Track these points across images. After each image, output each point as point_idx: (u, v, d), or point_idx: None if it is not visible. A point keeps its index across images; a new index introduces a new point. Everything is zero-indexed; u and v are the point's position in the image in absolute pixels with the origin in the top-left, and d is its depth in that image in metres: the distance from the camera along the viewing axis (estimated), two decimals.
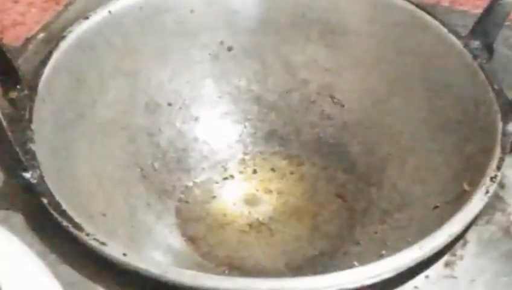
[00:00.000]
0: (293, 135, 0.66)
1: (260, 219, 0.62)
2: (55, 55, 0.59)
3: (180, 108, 0.67)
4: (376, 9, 0.65)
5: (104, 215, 0.55)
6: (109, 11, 0.63)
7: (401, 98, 0.63)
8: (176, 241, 0.59)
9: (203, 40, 0.67)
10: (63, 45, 0.60)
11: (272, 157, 0.67)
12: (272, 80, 0.69)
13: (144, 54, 0.65)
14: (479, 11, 0.61)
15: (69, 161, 0.56)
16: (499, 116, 0.55)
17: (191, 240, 0.60)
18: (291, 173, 0.65)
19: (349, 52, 0.66)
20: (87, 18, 0.62)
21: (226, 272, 0.57)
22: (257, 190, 0.64)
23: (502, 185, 0.54)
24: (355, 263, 0.52)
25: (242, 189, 0.65)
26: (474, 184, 0.51)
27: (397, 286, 0.48)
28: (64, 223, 0.48)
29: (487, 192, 0.50)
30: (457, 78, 0.60)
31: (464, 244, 0.50)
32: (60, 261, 0.48)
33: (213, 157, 0.66)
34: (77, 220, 0.48)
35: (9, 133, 0.49)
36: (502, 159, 0.52)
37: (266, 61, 0.68)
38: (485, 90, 0.57)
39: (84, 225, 0.48)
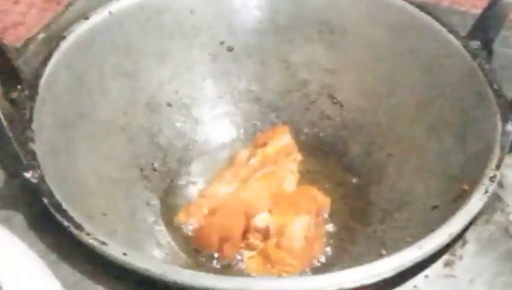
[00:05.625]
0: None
1: None
2: (56, 56, 0.59)
3: (180, 108, 0.67)
4: (375, 10, 0.65)
5: (104, 215, 0.55)
6: (109, 12, 0.63)
7: (400, 98, 0.63)
8: (176, 240, 0.59)
9: (203, 41, 0.67)
10: (64, 45, 0.60)
11: None
12: (272, 80, 0.69)
13: (144, 54, 0.65)
14: (479, 11, 0.62)
15: (70, 161, 0.56)
16: (498, 116, 0.55)
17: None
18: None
19: (348, 53, 0.66)
20: (87, 18, 0.62)
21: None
22: None
23: (501, 185, 0.54)
24: (355, 263, 0.52)
25: None
26: (474, 184, 0.51)
27: (397, 285, 0.48)
28: (65, 222, 0.48)
29: (486, 192, 0.50)
30: (456, 78, 0.60)
31: (463, 244, 0.50)
32: (60, 260, 0.48)
33: (213, 157, 0.66)
34: (77, 219, 0.48)
35: (10, 133, 0.49)
36: (501, 159, 0.52)
37: (266, 62, 0.68)
38: (484, 90, 0.57)
39: (85, 225, 0.48)
